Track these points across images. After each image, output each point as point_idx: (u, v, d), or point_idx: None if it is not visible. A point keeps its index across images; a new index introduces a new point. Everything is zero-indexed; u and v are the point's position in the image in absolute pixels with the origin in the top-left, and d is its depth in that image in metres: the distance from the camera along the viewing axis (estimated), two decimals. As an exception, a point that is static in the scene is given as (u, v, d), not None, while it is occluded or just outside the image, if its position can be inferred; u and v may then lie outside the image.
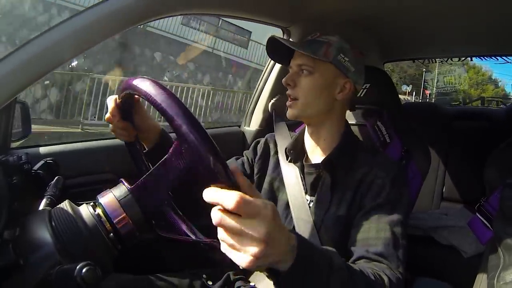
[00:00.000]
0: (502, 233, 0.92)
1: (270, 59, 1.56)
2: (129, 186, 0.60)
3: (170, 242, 0.76)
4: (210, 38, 10.05)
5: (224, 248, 0.48)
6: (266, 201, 0.48)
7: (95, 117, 6.50)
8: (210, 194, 0.46)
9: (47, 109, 6.62)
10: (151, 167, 0.77)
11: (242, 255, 0.46)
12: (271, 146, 1.05)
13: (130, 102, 0.78)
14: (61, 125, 6.33)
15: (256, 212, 0.46)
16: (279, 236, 0.48)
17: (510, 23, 1.27)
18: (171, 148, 0.54)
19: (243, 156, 1.09)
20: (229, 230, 0.46)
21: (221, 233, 0.47)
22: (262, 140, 1.08)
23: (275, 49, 0.98)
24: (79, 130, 6.44)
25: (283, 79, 0.91)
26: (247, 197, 0.45)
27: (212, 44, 9.94)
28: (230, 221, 0.45)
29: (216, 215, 0.46)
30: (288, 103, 0.91)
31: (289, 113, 0.91)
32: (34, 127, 1.00)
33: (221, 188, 0.47)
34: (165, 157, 0.55)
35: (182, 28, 9.35)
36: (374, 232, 0.79)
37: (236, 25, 10.07)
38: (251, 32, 10.52)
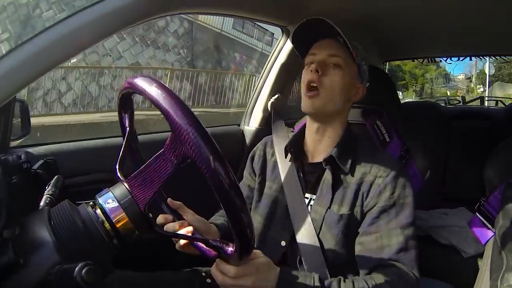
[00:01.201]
0: (504, 234, 0.92)
1: (270, 59, 1.56)
2: (127, 185, 0.59)
3: (169, 240, 0.76)
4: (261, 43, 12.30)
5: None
6: (251, 263, 0.67)
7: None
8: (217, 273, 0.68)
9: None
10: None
11: None
12: (268, 150, 1.04)
13: (130, 100, 0.77)
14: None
15: (245, 275, 0.66)
16: (264, 279, 0.69)
17: (509, 23, 1.27)
18: (168, 141, 0.54)
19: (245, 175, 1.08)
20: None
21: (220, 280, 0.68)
22: (257, 149, 1.07)
23: (300, 33, 0.92)
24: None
25: (314, 65, 0.86)
26: (238, 269, 0.65)
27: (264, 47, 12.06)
28: (228, 282, 0.67)
29: (218, 278, 0.68)
30: (308, 93, 0.87)
31: (309, 104, 0.87)
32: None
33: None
34: (161, 151, 0.56)
35: (237, 32, 11.43)
36: (386, 240, 0.80)
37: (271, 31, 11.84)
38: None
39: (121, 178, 0.61)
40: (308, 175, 0.93)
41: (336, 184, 0.87)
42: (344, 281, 0.76)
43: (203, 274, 0.97)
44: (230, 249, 0.61)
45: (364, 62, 0.91)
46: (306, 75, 0.89)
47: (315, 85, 0.86)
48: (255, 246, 0.62)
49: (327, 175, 0.88)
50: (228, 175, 0.50)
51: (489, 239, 1.16)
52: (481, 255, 1.32)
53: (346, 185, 0.87)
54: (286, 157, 0.96)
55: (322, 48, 0.89)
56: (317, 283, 0.74)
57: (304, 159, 0.95)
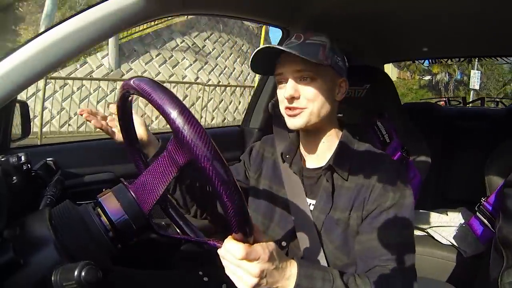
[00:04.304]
0: (504, 232, 0.92)
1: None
2: (129, 185, 0.60)
3: (168, 240, 0.76)
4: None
5: (227, 271, 0.62)
6: (265, 244, 0.60)
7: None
8: (223, 252, 0.60)
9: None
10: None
11: (240, 282, 0.61)
12: (267, 148, 1.03)
13: (129, 102, 0.77)
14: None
15: (255, 258, 0.59)
16: (275, 270, 0.62)
17: (509, 23, 1.28)
18: (169, 145, 0.55)
19: (242, 160, 1.08)
20: (231, 263, 0.60)
21: (225, 262, 0.61)
22: (257, 144, 1.07)
23: (259, 57, 0.85)
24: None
25: (287, 94, 0.82)
26: (249, 248, 0.58)
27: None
28: (233, 259, 0.59)
29: (222, 253, 0.60)
30: (290, 112, 0.84)
31: (294, 123, 0.84)
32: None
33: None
34: (163, 153, 0.56)
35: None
36: (384, 240, 0.79)
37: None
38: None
39: (123, 179, 0.61)
40: (306, 179, 0.92)
41: (335, 190, 0.87)
42: (359, 276, 0.75)
43: (200, 273, 0.98)
44: (218, 245, 0.61)
45: (336, 55, 0.85)
46: (281, 99, 0.86)
47: (298, 107, 0.83)
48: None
49: (326, 182, 0.88)
50: (227, 173, 0.49)
51: (489, 239, 1.16)
52: (481, 255, 1.32)
53: (345, 190, 0.86)
54: (283, 162, 0.96)
55: (287, 65, 0.83)
56: (338, 282, 0.71)
57: (302, 163, 0.95)
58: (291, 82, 0.83)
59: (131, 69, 8.06)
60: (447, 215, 1.64)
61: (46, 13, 6.96)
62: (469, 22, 1.35)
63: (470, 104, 5.67)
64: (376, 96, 1.36)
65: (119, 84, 6.81)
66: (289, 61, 0.83)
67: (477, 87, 13.39)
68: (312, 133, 0.90)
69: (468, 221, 1.44)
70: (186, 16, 8.99)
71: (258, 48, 0.82)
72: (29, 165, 0.82)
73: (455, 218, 1.59)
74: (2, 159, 0.75)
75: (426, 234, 1.61)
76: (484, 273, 1.01)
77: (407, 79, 18.53)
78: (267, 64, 0.87)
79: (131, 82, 0.57)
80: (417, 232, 1.58)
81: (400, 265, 0.77)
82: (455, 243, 1.49)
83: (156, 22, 8.63)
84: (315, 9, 1.27)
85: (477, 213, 1.34)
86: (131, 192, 0.59)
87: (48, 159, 0.97)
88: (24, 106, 1.04)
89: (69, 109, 6.69)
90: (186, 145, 0.48)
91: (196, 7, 0.98)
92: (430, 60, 2.44)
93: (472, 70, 13.86)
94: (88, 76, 7.35)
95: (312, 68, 0.81)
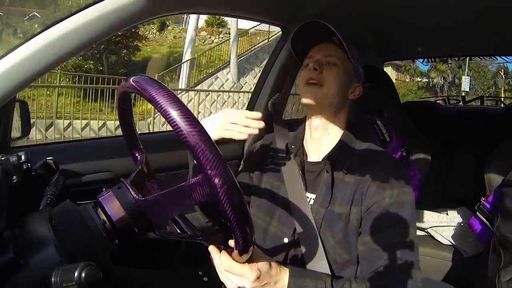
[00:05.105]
0: (502, 231, 0.92)
1: (270, 58, 1.56)
2: (135, 194, 0.58)
3: (169, 241, 0.76)
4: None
5: (221, 278, 0.71)
6: (255, 266, 0.67)
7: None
8: (219, 266, 0.68)
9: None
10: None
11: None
12: (269, 147, 1.04)
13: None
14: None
15: (242, 277, 0.67)
16: (266, 285, 0.70)
17: (509, 23, 1.27)
18: (196, 179, 0.51)
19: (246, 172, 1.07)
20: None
21: (219, 273, 0.71)
22: (258, 145, 1.08)
23: (299, 38, 0.98)
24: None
25: (311, 65, 0.91)
26: (239, 269, 0.66)
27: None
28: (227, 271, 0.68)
29: (219, 267, 0.69)
30: (307, 87, 0.91)
31: (310, 97, 0.90)
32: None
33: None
34: (188, 183, 0.53)
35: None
36: (388, 239, 0.80)
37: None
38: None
39: (123, 179, 0.61)
40: (308, 173, 0.93)
41: (335, 184, 0.88)
42: (355, 281, 0.76)
43: (200, 273, 0.98)
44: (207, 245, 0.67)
45: (360, 65, 0.95)
46: (305, 74, 0.93)
47: (313, 81, 0.90)
48: (256, 242, 0.63)
49: (326, 175, 0.88)
50: (247, 215, 0.52)
51: (489, 238, 1.16)
52: (481, 255, 1.32)
53: (345, 184, 0.87)
54: (287, 155, 0.96)
55: (319, 50, 0.94)
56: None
57: (304, 157, 0.96)
58: (318, 59, 0.93)
59: (246, 82, 11.08)
60: (447, 214, 1.64)
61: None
62: (470, 21, 1.35)
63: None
64: (376, 95, 1.35)
65: (241, 95, 10.00)
66: (321, 47, 0.95)
67: (467, 89, 16.28)
68: (322, 123, 0.93)
69: (468, 220, 1.44)
70: (267, 40, 12.01)
71: (304, 22, 0.93)
72: (29, 164, 0.82)
73: (455, 218, 1.59)
74: (2, 158, 0.75)
75: (426, 234, 1.61)
76: (483, 273, 1.02)
77: (407, 81, 21.10)
78: (302, 47, 0.98)
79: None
80: (417, 232, 1.58)
81: (404, 264, 0.78)
82: (455, 243, 1.49)
83: (252, 45, 12.02)
84: (315, 8, 1.27)
85: (477, 212, 1.35)
86: (132, 193, 0.59)
87: (48, 158, 0.97)
88: (24, 105, 1.04)
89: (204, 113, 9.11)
90: (218, 199, 0.49)
91: (196, 6, 0.98)
92: (430, 60, 2.44)
93: (463, 76, 16.68)
94: (221, 88, 10.37)
95: (339, 55, 0.92)
